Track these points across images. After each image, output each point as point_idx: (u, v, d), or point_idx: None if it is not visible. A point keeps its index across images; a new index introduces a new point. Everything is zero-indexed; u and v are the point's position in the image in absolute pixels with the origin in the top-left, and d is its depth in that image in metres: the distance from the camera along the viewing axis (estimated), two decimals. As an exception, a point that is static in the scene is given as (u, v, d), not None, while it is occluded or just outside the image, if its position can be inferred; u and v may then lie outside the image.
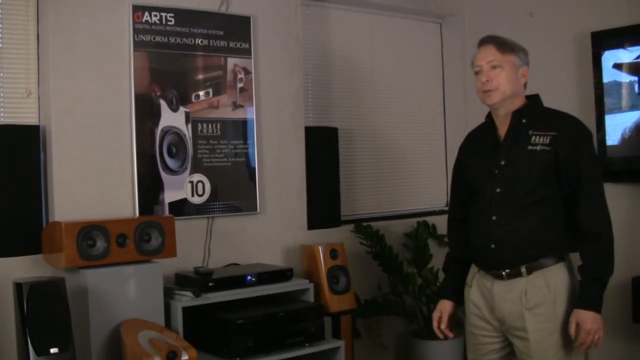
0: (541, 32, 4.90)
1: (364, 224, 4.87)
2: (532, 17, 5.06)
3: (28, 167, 3.60)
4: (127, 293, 3.49)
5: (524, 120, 2.97)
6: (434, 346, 4.79)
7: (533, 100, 3.05)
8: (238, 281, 3.84)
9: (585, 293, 2.82)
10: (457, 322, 5.03)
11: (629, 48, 4.43)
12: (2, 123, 3.65)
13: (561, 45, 4.86)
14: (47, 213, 3.69)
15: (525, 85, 3.03)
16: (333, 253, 4.23)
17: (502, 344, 3.06)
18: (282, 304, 3.94)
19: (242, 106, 4.29)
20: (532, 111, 2.99)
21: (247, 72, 4.32)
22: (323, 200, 4.67)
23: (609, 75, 4.52)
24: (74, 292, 3.38)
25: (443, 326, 3.20)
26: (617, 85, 4.50)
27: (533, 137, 2.92)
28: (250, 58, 4.34)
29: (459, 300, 3.22)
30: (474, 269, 3.12)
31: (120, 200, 3.86)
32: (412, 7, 5.38)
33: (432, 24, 5.65)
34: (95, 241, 3.44)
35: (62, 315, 3.16)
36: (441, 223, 5.18)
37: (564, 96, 4.55)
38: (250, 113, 4.32)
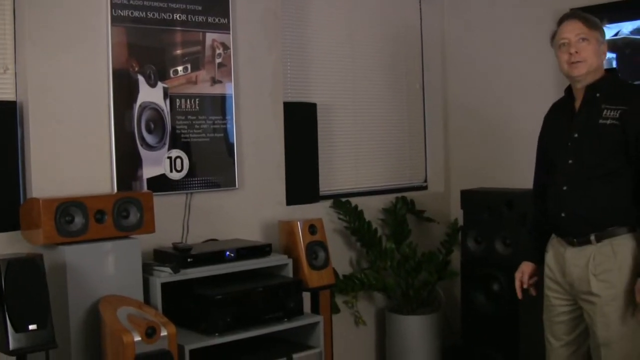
0: (520, 9, 4.87)
1: (343, 199, 4.89)
2: (511, -7, 5.06)
3: (5, 143, 3.58)
4: (105, 269, 3.50)
5: (597, 94, 3.08)
6: (412, 321, 4.83)
7: (609, 74, 3.15)
8: (217, 257, 3.85)
9: None
10: (435, 297, 5.10)
11: (607, 25, 4.44)
12: (-22, 98, 3.62)
13: (540, 21, 4.86)
14: (25, 189, 3.66)
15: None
16: (312, 228, 4.25)
17: (572, 307, 3.21)
18: (261, 280, 3.96)
19: (220, 82, 4.28)
20: (606, 85, 3.09)
21: (225, 47, 4.29)
22: (302, 176, 4.68)
23: (586, 52, 4.53)
24: (52, 268, 3.37)
25: (525, 285, 3.36)
26: (595, 62, 4.52)
27: (605, 111, 3.03)
28: (229, 33, 4.31)
29: (539, 262, 3.38)
30: (552, 235, 3.28)
31: (98, 176, 3.85)
32: (392, -18, 5.37)
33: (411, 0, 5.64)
34: (73, 217, 3.44)
35: (40, 291, 3.15)
36: (419, 199, 5.24)
37: (543, 71, 4.57)
38: (228, 88, 4.30)
